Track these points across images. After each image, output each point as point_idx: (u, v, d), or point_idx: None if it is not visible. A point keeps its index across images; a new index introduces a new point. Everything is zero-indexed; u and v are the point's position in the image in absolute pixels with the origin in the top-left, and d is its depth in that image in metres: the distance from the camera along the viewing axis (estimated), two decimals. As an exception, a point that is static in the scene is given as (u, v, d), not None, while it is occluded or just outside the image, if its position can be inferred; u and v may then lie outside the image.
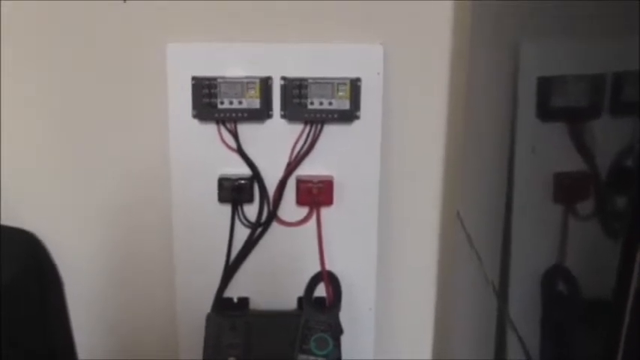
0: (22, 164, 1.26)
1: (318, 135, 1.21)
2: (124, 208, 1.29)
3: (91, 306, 1.34)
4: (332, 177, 1.23)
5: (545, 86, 0.79)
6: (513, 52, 0.91)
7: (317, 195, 1.22)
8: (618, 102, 0.60)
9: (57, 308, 1.31)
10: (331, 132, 1.21)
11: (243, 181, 1.22)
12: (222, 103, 1.17)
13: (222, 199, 1.22)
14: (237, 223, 1.24)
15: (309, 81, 1.17)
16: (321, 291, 1.27)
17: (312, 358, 1.17)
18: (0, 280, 1.13)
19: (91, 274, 1.32)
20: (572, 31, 0.71)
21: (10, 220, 1.25)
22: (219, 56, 1.19)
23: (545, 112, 0.79)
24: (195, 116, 1.19)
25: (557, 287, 0.77)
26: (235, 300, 1.28)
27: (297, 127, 1.21)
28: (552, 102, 0.78)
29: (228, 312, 1.26)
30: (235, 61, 1.18)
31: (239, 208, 1.24)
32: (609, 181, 0.61)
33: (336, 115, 1.19)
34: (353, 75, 1.18)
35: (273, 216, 1.24)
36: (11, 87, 1.22)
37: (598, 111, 0.64)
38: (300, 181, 1.23)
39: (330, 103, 1.18)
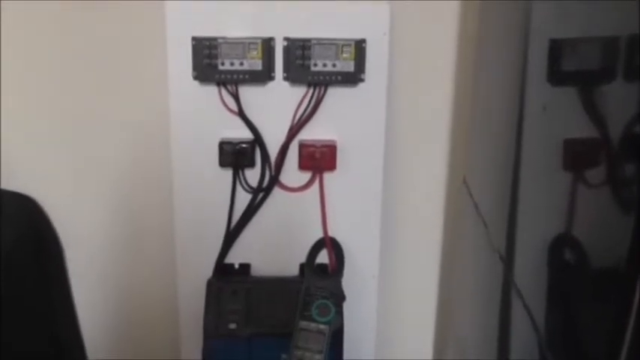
0: (21, 128, 1.25)
1: (322, 98, 1.19)
2: (123, 172, 1.28)
3: (91, 271, 1.33)
4: (335, 141, 1.21)
5: (557, 49, 0.78)
6: (525, 13, 0.89)
7: (320, 160, 1.21)
8: (632, 66, 0.58)
9: (57, 275, 1.30)
10: (335, 95, 1.19)
11: (244, 145, 1.20)
12: (222, 64, 1.15)
13: (223, 163, 1.21)
14: (239, 188, 1.23)
15: (313, 42, 1.15)
16: (323, 257, 1.26)
17: (313, 324, 1.17)
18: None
19: (91, 239, 1.32)
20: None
21: (7, 185, 1.24)
22: (220, 15, 1.16)
23: (557, 75, 0.77)
24: (195, 77, 1.17)
25: (564, 255, 0.76)
26: (236, 266, 1.27)
27: (300, 90, 1.19)
28: (564, 65, 0.76)
29: (229, 278, 1.26)
30: (237, 21, 1.16)
31: (240, 172, 1.22)
32: (621, 148, 0.60)
33: (340, 78, 1.16)
34: (358, 36, 1.15)
35: (275, 181, 1.23)
36: (11, 55, 1.20)
37: (611, 75, 0.63)
38: (302, 146, 1.21)
39: (334, 65, 1.16)
